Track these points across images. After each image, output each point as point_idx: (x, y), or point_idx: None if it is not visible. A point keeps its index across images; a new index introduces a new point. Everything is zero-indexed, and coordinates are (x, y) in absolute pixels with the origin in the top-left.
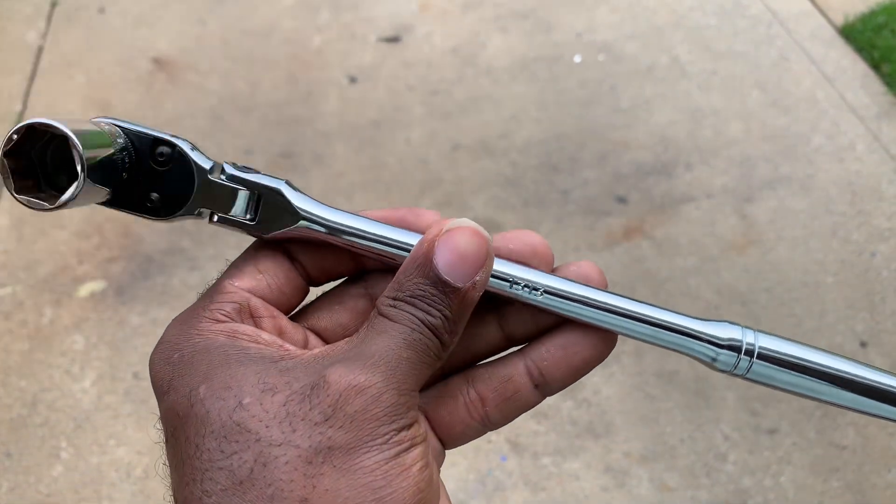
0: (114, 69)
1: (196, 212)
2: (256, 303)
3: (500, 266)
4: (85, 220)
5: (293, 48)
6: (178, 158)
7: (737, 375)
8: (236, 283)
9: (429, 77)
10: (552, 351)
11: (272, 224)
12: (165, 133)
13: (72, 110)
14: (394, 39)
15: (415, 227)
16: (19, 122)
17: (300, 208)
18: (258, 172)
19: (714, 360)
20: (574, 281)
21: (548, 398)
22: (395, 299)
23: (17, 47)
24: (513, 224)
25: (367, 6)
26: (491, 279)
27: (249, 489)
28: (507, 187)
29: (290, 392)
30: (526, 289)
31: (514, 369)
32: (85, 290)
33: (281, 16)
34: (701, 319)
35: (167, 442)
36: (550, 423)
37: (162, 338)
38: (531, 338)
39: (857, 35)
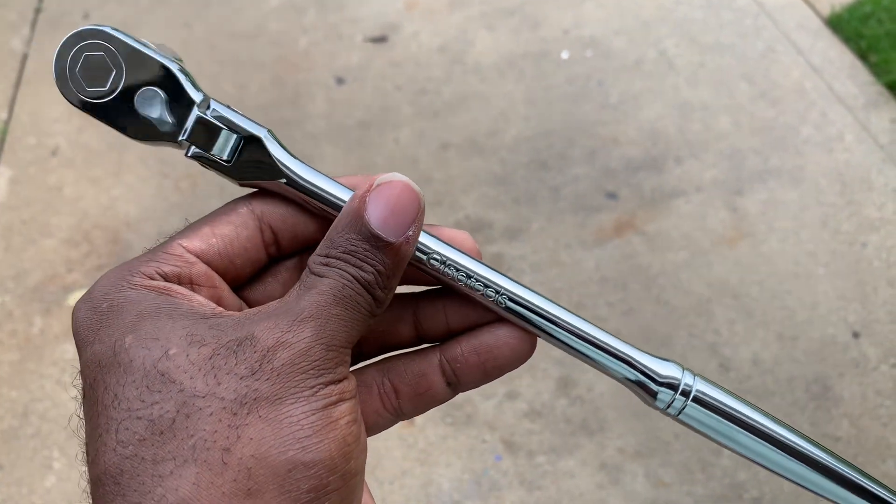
0: None
1: (177, 140)
2: (200, 269)
3: (424, 238)
4: (73, 227)
5: (280, 50)
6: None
7: (669, 414)
8: (185, 244)
9: (416, 76)
10: (466, 355)
11: (248, 171)
12: (159, 54)
13: (57, 117)
14: (380, 39)
15: None
16: (4, 131)
17: (281, 162)
18: (245, 116)
19: (655, 395)
20: (510, 278)
21: (541, 396)
22: (326, 256)
23: (1, 54)
24: (504, 222)
25: (353, 6)
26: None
27: (170, 440)
28: (496, 185)
29: (217, 345)
30: (448, 267)
31: (429, 366)
32: (74, 298)
33: (267, 18)
34: (645, 353)
35: (84, 395)
36: (544, 421)
37: (92, 287)
38: (444, 338)
39: (844, 25)
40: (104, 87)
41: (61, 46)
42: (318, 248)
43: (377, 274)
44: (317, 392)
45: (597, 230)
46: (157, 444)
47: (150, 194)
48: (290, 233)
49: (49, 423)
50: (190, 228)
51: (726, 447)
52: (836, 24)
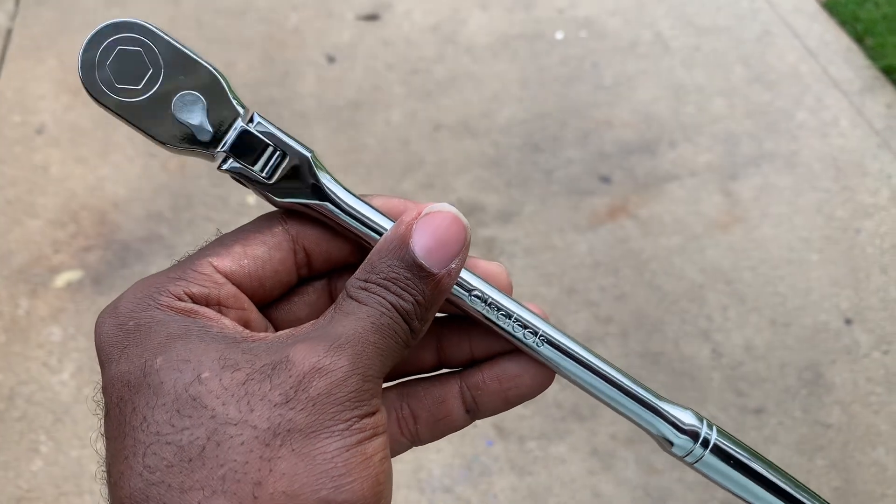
0: None
1: (214, 151)
2: (229, 291)
3: (464, 274)
4: (60, 208)
5: (269, 27)
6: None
7: (686, 462)
8: (215, 263)
9: (408, 56)
10: (488, 382)
11: (289, 191)
12: (203, 59)
13: (43, 94)
14: (372, 17)
15: None
16: None
17: (326, 186)
18: (289, 135)
19: (672, 443)
20: (539, 316)
21: None
22: (366, 281)
23: None
24: (496, 205)
25: None
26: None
27: (199, 468)
28: (489, 168)
29: (251, 370)
30: (488, 306)
31: (449, 392)
32: (61, 280)
33: None
34: (665, 399)
35: (108, 413)
36: (536, 406)
37: (118, 302)
38: (465, 365)
39: (841, 8)
40: (137, 85)
41: (93, 36)
42: (357, 272)
43: (416, 304)
44: (351, 426)
45: (590, 214)
46: (186, 472)
47: (138, 174)
48: (323, 255)
49: (35, 406)
50: (221, 244)
51: (737, 496)
52: (833, 7)
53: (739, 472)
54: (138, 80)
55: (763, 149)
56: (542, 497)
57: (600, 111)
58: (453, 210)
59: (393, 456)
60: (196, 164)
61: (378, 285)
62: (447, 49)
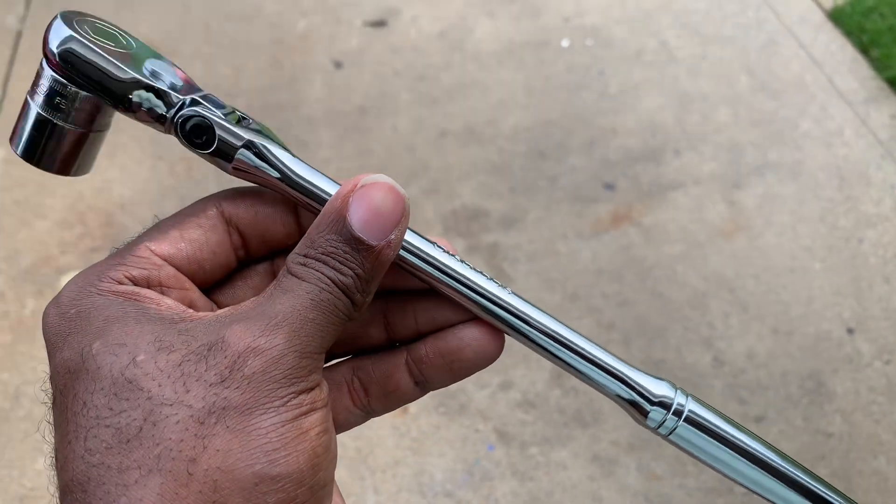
0: None
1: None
2: (168, 272)
3: (409, 236)
4: (67, 209)
5: (277, 33)
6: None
7: (659, 434)
8: (153, 247)
9: (415, 62)
10: (431, 356)
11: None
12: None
13: None
14: (380, 24)
15: None
16: None
17: (275, 156)
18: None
19: (644, 414)
20: (493, 280)
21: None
22: (305, 256)
23: None
24: (500, 211)
25: None
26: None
27: (136, 448)
28: (494, 174)
29: (186, 351)
30: (437, 270)
31: (397, 366)
32: (67, 280)
33: None
34: (638, 370)
35: (54, 401)
36: (538, 412)
37: (60, 292)
38: (414, 339)
39: (847, 19)
40: (113, 44)
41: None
42: (297, 247)
43: (356, 278)
44: (287, 402)
45: (593, 221)
46: (124, 453)
47: (145, 177)
48: (259, 238)
49: (40, 406)
50: (157, 230)
51: (715, 469)
52: (839, 17)
53: (717, 445)
54: (114, 39)
55: (767, 158)
56: (543, 502)
57: (605, 119)
58: (388, 180)
59: (350, 428)
60: (202, 167)
61: (317, 260)
62: (454, 56)
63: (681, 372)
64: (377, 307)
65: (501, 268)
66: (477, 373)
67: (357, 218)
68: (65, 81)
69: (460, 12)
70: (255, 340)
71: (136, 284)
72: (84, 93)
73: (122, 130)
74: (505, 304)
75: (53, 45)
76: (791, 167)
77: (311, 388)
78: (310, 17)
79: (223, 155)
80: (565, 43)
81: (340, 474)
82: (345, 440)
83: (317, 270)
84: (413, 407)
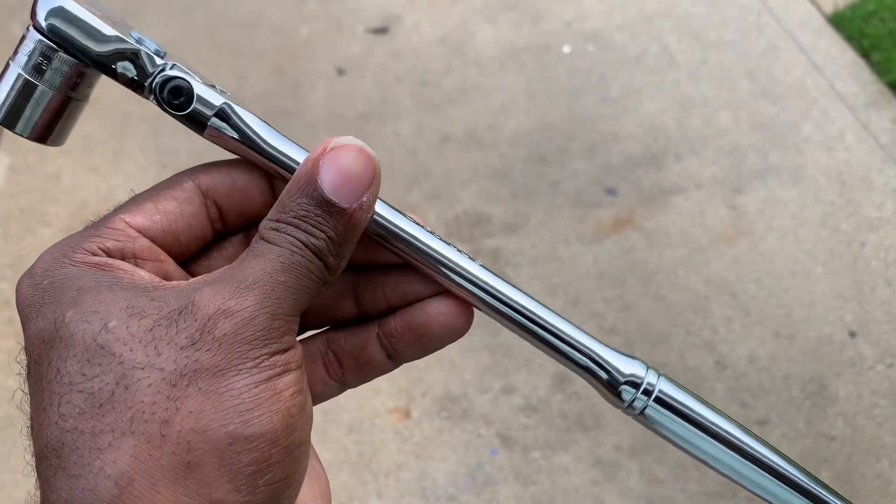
0: None
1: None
2: (143, 244)
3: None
4: (71, 216)
5: (280, 39)
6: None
7: (629, 414)
8: (127, 219)
9: (417, 68)
10: (400, 330)
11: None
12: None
13: None
14: (382, 30)
15: None
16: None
17: (242, 120)
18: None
19: (613, 393)
20: (465, 254)
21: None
22: (277, 221)
23: (1, 40)
24: (502, 216)
25: None
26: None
27: (109, 412)
28: (495, 179)
29: (158, 316)
30: (409, 246)
31: (368, 340)
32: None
33: (267, 6)
34: (610, 348)
35: (29, 371)
36: (540, 416)
37: (34, 263)
38: (385, 313)
39: (847, 23)
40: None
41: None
42: (269, 213)
43: (329, 240)
44: (260, 363)
45: (595, 226)
46: (97, 417)
47: (149, 183)
48: (236, 209)
49: None
50: (133, 202)
51: (686, 451)
52: (839, 22)
53: (687, 427)
54: (99, 6)
55: (768, 162)
56: None
57: (607, 124)
58: (358, 142)
59: (326, 399)
60: None
61: (288, 224)
62: (455, 62)
63: (683, 375)
64: (348, 281)
65: (504, 273)
66: (447, 346)
67: (328, 181)
68: (51, 45)
69: (461, 18)
70: (224, 303)
71: (110, 256)
72: (70, 57)
73: (126, 137)
74: (472, 277)
75: (42, 8)
76: (792, 171)
77: (285, 350)
78: (312, 24)
79: (198, 119)
80: (566, 48)
81: (343, 479)
82: (347, 444)
83: (289, 234)
84: (415, 411)
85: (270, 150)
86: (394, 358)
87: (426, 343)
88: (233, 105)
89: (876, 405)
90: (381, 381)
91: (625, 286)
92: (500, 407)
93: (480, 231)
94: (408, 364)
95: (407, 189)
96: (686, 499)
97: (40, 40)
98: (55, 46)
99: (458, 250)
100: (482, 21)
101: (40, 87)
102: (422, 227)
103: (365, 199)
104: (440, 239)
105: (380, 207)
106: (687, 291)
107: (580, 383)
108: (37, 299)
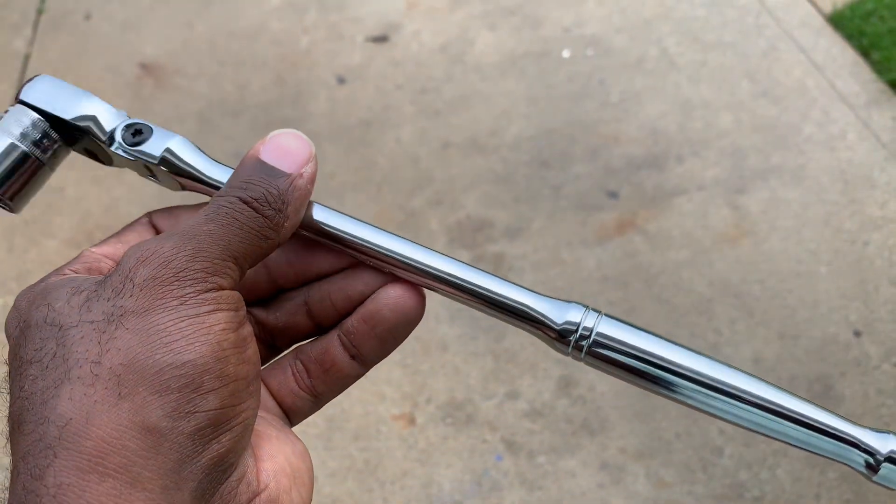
0: (101, 75)
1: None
2: (108, 264)
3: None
4: (75, 227)
5: (281, 49)
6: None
7: (577, 359)
8: (95, 250)
9: (418, 75)
10: (356, 325)
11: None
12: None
13: None
14: (381, 39)
15: None
16: None
17: (186, 162)
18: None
19: (557, 341)
20: (421, 247)
21: (542, 396)
22: (225, 188)
23: (3, 55)
24: (504, 221)
25: (354, 6)
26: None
27: (52, 371)
28: (498, 184)
29: (93, 285)
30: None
31: (330, 342)
32: None
33: (268, 17)
34: (545, 297)
35: (9, 372)
36: (545, 421)
37: (16, 299)
38: (339, 321)
39: (846, 23)
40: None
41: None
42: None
43: (267, 193)
44: (186, 301)
45: (598, 229)
46: (42, 377)
47: (152, 195)
48: None
49: None
50: (101, 242)
51: (644, 388)
52: (838, 21)
53: (632, 362)
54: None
55: (770, 162)
56: None
57: (608, 127)
58: (295, 131)
59: (303, 415)
60: None
61: (230, 187)
62: (456, 68)
63: None
64: (300, 298)
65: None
66: (406, 336)
67: (268, 155)
68: (44, 122)
69: (461, 25)
70: (143, 254)
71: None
72: (55, 131)
73: None
74: (407, 258)
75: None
76: (794, 171)
77: (215, 290)
78: (312, 33)
79: (149, 155)
80: (566, 53)
81: (349, 487)
82: (352, 452)
83: (227, 195)
84: (420, 418)
85: (213, 182)
86: (357, 359)
87: (382, 332)
88: (178, 147)
89: (882, 404)
90: (385, 388)
91: (628, 289)
92: (505, 412)
93: (483, 236)
94: (412, 370)
95: (410, 195)
96: (693, 501)
97: (35, 118)
98: (48, 125)
99: (392, 234)
100: (482, 28)
101: (40, 162)
102: (364, 223)
103: (305, 170)
104: (381, 230)
105: (317, 211)
106: (690, 293)
107: (585, 387)
108: (15, 328)
